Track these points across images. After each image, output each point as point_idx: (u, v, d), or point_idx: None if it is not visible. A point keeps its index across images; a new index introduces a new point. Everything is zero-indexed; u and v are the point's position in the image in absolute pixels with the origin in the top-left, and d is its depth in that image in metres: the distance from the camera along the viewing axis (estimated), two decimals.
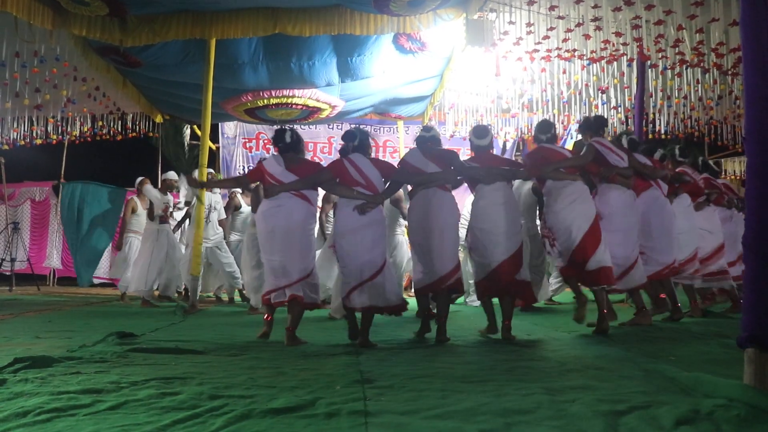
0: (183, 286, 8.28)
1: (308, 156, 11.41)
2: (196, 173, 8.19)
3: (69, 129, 10.39)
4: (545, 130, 4.87)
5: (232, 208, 8.05)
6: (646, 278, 4.97)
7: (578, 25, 6.32)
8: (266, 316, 4.55)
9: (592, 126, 5.14)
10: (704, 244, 5.75)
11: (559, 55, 7.24)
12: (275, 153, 4.58)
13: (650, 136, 10.28)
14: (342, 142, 4.53)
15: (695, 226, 5.65)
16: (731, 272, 5.94)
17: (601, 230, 4.61)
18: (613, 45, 6.81)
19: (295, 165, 4.43)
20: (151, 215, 7.77)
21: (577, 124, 11.43)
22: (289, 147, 4.48)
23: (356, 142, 4.43)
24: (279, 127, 4.73)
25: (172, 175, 8.26)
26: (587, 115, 6.24)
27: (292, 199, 4.32)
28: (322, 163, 5.69)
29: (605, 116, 10.55)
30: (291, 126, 4.70)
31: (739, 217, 6.25)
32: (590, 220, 4.54)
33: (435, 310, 4.68)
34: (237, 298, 8.46)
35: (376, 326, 4.62)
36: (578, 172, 4.76)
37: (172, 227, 8.14)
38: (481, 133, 4.75)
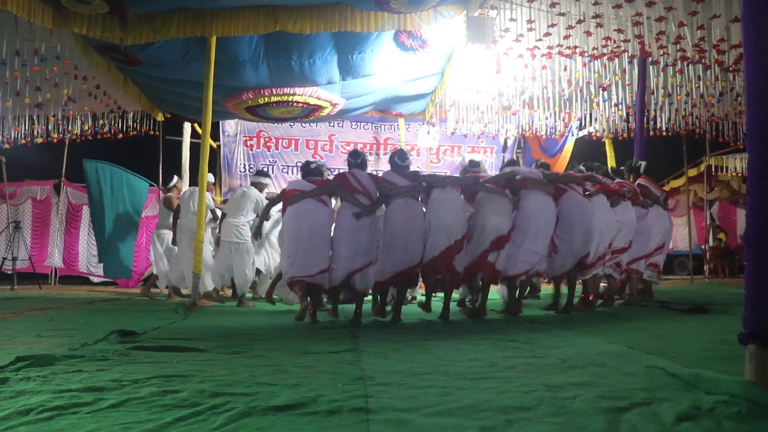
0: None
1: (309, 155, 11.80)
2: (175, 181, 8.54)
3: (70, 127, 10.39)
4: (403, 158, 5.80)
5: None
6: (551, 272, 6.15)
7: (579, 21, 6.32)
8: (302, 303, 5.53)
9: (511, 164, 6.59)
10: (620, 235, 6.41)
11: (560, 52, 7.24)
12: (300, 179, 5.81)
13: (651, 133, 10.29)
14: (349, 158, 5.79)
15: (612, 219, 6.31)
16: (637, 267, 6.85)
17: (518, 230, 5.78)
18: (615, 42, 6.81)
19: (313, 180, 5.70)
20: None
21: (578, 122, 11.50)
22: (311, 173, 5.80)
23: (359, 160, 5.71)
24: (306, 161, 6.10)
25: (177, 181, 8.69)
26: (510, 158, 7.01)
27: (316, 204, 5.49)
28: (323, 160, 7.03)
29: (605, 123, 10.68)
30: (317, 163, 5.98)
31: (658, 214, 7.01)
32: (508, 227, 5.76)
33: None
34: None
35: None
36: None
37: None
38: (403, 156, 5.75)
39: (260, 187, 8.02)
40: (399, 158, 5.69)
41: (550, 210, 5.88)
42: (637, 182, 7.12)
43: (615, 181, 6.88)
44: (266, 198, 7.97)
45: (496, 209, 5.73)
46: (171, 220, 8.48)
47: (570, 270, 6.07)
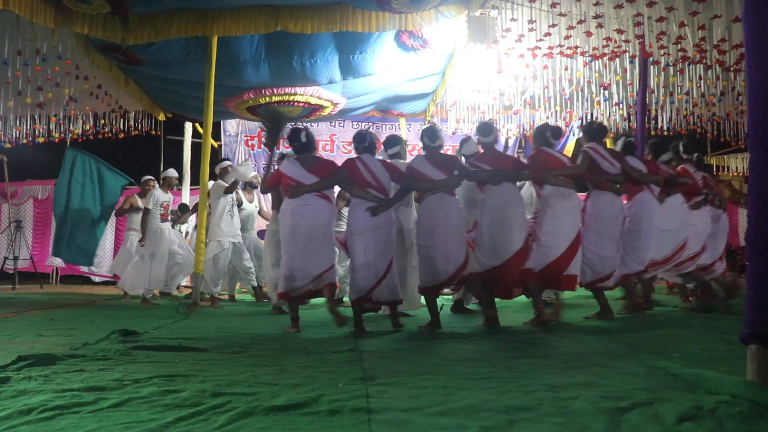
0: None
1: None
2: (170, 172, 8.28)
3: (71, 127, 10.38)
4: (486, 132, 5.05)
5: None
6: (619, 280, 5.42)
7: (580, 22, 6.31)
8: (294, 316, 4.82)
9: (593, 134, 5.46)
10: (692, 240, 5.92)
11: (561, 52, 7.23)
12: (292, 158, 4.92)
13: (653, 132, 10.27)
14: (352, 143, 4.92)
15: (686, 222, 5.86)
16: (717, 268, 6.33)
17: (587, 233, 5.11)
18: (615, 42, 6.80)
19: (314, 166, 4.76)
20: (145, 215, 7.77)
21: (579, 121, 11.50)
22: (304, 147, 4.83)
23: (366, 143, 4.82)
24: (293, 126, 5.08)
25: (172, 172, 8.25)
26: (592, 120, 6.30)
27: (317, 200, 4.67)
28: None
29: (606, 123, 10.65)
30: (304, 125, 5.01)
31: (724, 216, 6.53)
32: (572, 239, 4.90)
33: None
34: (240, 296, 8.48)
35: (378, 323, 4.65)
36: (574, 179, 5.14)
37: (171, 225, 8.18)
38: (486, 130, 5.01)
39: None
40: (429, 138, 4.90)
41: (621, 216, 5.34)
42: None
43: (701, 176, 6.26)
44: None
45: (569, 210, 4.92)
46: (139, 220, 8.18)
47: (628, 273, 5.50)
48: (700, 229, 6.05)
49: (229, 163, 8.01)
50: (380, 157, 5.04)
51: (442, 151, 4.96)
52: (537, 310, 4.80)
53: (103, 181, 8.93)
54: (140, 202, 8.31)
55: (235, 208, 7.63)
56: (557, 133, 5.27)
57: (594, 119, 10.75)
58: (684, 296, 6.74)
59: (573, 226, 4.92)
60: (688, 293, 6.70)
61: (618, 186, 5.29)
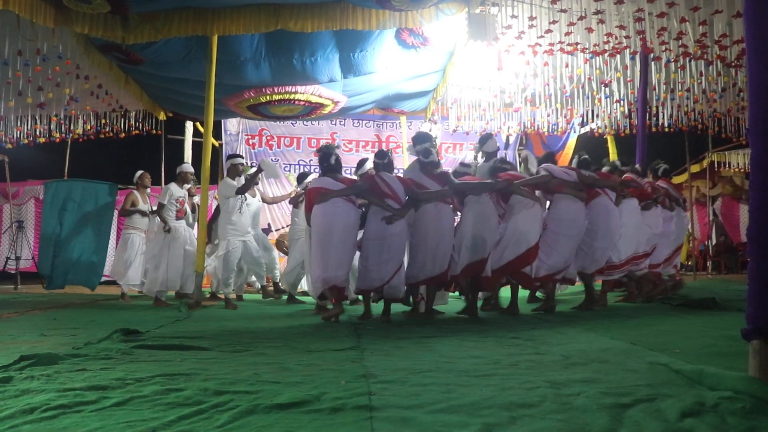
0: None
1: (311, 153, 11.48)
2: (185, 167, 8.14)
3: (72, 127, 10.39)
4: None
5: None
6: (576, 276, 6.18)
7: (581, 18, 6.30)
8: (333, 299, 5.40)
9: (542, 160, 6.37)
10: (643, 240, 6.60)
11: (561, 49, 7.23)
12: (320, 176, 5.61)
13: (653, 129, 10.26)
14: (376, 159, 5.66)
15: (640, 223, 6.54)
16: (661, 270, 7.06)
17: (547, 232, 5.86)
18: (616, 38, 6.80)
19: (341, 179, 5.51)
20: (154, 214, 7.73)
21: (580, 118, 11.49)
22: (332, 168, 5.54)
23: (386, 161, 5.56)
24: (326, 145, 5.81)
25: (188, 167, 8.02)
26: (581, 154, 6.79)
27: (345, 203, 5.33)
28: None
29: (607, 120, 10.67)
30: (336, 148, 5.72)
31: (679, 216, 7.34)
32: (538, 236, 5.73)
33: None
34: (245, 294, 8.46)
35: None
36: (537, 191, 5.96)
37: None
38: (426, 153, 5.58)
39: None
40: (423, 155, 5.56)
41: (582, 218, 5.95)
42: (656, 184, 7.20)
43: (646, 182, 7.00)
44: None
45: (530, 218, 5.69)
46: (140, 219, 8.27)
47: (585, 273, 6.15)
48: (652, 230, 6.70)
49: (242, 160, 7.83)
50: (412, 156, 5.79)
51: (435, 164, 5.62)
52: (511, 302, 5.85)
53: (90, 198, 8.65)
54: (140, 199, 8.25)
55: (245, 206, 7.41)
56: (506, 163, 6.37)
57: (595, 116, 10.79)
58: (630, 292, 6.99)
59: (535, 231, 5.69)
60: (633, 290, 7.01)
61: (580, 192, 5.94)
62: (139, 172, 8.45)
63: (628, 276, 6.69)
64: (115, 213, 9.58)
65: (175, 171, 8.02)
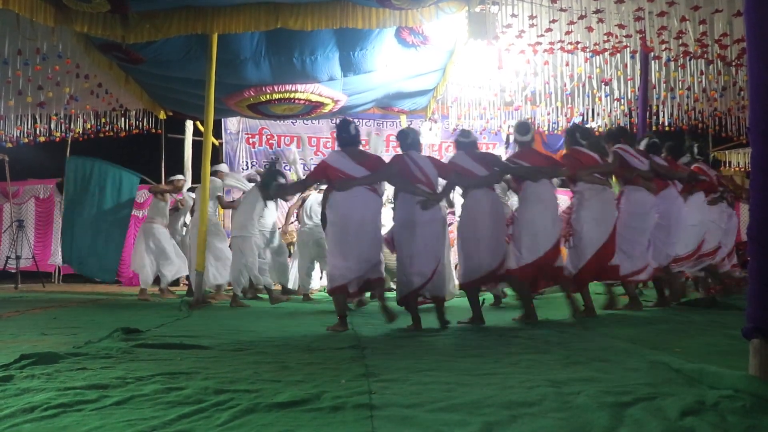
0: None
1: (311, 151, 11.32)
2: (221, 167, 8.32)
3: (72, 126, 10.39)
4: (524, 131, 5.19)
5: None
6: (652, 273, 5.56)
7: (581, 17, 6.29)
8: (341, 314, 4.73)
9: (615, 135, 5.81)
10: (710, 237, 6.29)
11: (561, 48, 7.21)
12: (339, 150, 4.84)
13: (654, 128, 10.25)
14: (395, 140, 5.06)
15: (706, 219, 6.23)
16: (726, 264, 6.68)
17: (622, 228, 5.25)
18: (616, 37, 6.78)
19: (363, 159, 4.73)
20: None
21: (581, 117, 11.49)
22: (352, 140, 4.79)
23: (410, 140, 4.84)
24: (343, 118, 5.12)
25: (223, 167, 8.43)
26: (612, 126, 6.54)
27: (367, 192, 4.64)
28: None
29: (607, 119, 10.64)
30: (353, 119, 5.10)
31: (734, 214, 7.02)
32: (612, 228, 5.12)
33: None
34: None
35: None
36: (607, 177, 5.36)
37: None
38: (523, 129, 5.15)
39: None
40: (462, 135, 5.05)
41: (653, 211, 5.54)
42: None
43: (714, 174, 6.67)
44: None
45: (603, 204, 5.13)
46: (162, 214, 8.42)
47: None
48: (717, 225, 6.37)
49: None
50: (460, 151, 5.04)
51: (473, 148, 5.03)
52: (585, 305, 5.06)
53: (117, 184, 8.83)
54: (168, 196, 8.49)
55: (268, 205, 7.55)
56: (586, 133, 5.52)
57: (596, 115, 10.77)
58: (706, 290, 6.81)
59: (610, 218, 5.14)
60: (709, 287, 6.82)
61: (650, 182, 5.48)
62: (177, 177, 8.79)
63: (711, 272, 6.39)
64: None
65: (174, 172, 8.39)
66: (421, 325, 4.58)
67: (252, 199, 7.30)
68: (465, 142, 5.00)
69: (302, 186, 6.40)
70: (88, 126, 10.48)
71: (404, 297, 4.69)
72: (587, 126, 6.69)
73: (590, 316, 4.99)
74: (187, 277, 8.54)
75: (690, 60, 8.01)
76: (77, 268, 9.07)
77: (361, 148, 4.89)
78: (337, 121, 5.12)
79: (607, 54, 7.54)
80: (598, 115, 11.07)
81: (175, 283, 9.55)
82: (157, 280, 8.64)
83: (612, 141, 5.69)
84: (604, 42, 6.85)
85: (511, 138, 12.43)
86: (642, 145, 5.95)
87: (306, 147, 7.56)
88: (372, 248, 4.65)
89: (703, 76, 8.61)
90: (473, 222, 4.82)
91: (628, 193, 5.51)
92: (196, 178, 9.88)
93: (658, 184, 5.67)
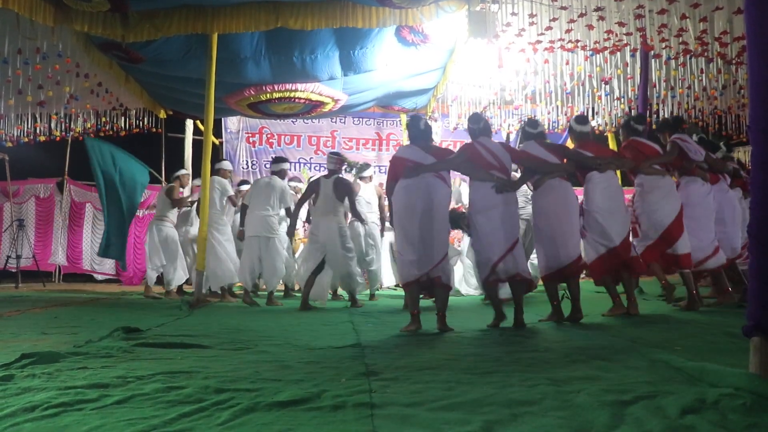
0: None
1: (311, 150, 11.36)
2: (224, 164, 8.32)
3: (72, 125, 10.39)
4: (583, 121, 5.23)
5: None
6: (723, 263, 5.53)
7: (581, 15, 6.29)
8: (414, 311, 4.48)
9: (671, 126, 5.82)
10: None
11: (561, 46, 7.21)
12: (408, 144, 4.84)
13: (654, 126, 10.24)
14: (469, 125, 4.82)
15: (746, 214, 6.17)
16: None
17: (684, 219, 5.17)
18: (616, 35, 6.78)
19: (432, 151, 4.65)
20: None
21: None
22: (422, 135, 4.71)
23: (481, 125, 4.72)
24: (413, 114, 5.04)
25: (227, 165, 8.42)
26: (666, 116, 6.49)
27: (434, 179, 4.47)
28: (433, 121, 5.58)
29: (608, 117, 10.61)
30: (424, 114, 4.93)
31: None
32: (678, 211, 5.10)
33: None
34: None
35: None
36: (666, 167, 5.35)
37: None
38: (582, 120, 5.21)
39: (282, 174, 7.67)
40: (530, 125, 4.98)
41: (711, 199, 5.55)
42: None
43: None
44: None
45: (664, 192, 5.11)
46: (170, 211, 8.43)
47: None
48: None
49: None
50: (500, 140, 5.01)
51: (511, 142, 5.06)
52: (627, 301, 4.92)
53: (125, 173, 8.91)
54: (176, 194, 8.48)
55: None
56: (640, 119, 5.57)
57: (596, 114, 10.77)
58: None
59: (674, 206, 5.11)
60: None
61: (705, 173, 5.52)
62: (182, 172, 8.90)
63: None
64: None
65: (174, 171, 8.52)
66: (500, 321, 4.54)
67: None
68: (533, 132, 4.94)
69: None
70: (88, 125, 10.47)
71: (486, 280, 4.60)
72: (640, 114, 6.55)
73: (633, 313, 4.83)
74: (188, 280, 8.58)
75: (690, 58, 8.00)
76: (102, 252, 9.08)
77: (430, 145, 4.77)
78: (408, 117, 5.15)
79: (607, 52, 7.53)
80: (598, 113, 11.06)
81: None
82: (159, 281, 8.64)
83: (668, 131, 5.73)
84: (605, 40, 6.85)
85: (511, 137, 12.46)
86: (693, 140, 5.90)
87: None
88: (438, 235, 4.42)
89: (704, 75, 8.60)
90: (550, 210, 4.72)
91: (684, 185, 5.51)
92: (197, 177, 9.88)
93: (712, 177, 5.71)
